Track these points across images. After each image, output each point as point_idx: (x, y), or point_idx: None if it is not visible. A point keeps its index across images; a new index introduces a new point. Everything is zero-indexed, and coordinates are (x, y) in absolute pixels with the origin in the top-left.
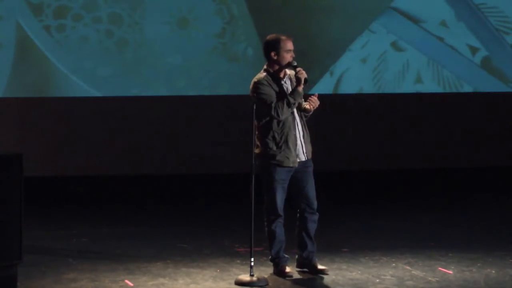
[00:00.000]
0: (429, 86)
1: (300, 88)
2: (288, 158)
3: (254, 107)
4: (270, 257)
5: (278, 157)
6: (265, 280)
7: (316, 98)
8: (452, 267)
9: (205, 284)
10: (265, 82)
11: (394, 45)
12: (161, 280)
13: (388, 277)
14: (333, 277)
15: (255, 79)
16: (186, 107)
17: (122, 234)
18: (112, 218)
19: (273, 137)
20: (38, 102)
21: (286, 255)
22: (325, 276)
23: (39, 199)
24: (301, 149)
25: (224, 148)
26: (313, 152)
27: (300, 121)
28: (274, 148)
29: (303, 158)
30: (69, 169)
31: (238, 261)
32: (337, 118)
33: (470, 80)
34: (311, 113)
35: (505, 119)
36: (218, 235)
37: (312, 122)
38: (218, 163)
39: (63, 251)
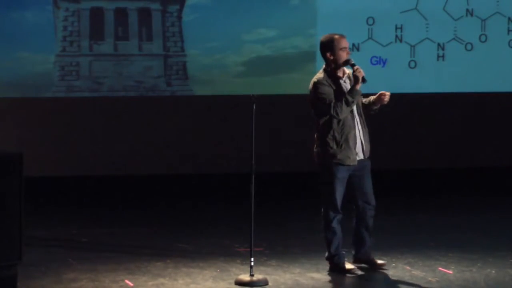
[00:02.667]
0: (429, 85)
1: (358, 87)
2: (349, 157)
3: (254, 107)
4: (327, 254)
5: (339, 156)
6: (265, 280)
7: (387, 94)
8: (452, 267)
9: (205, 284)
10: (324, 82)
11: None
12: (161, 280)
13: (388, 277)
14: (333, 277)
15: (314, 79)
16: (186, 107)
17: (122, 234)
18: (112, 218)
19: (334, 136)
20: (38, 102)
21: (343, 251)
22: (326, 277)
23: (39, 199)
24: (360, 147)
25: (224, 148)
26: (371, 151)
27: (360, 120)
28: (335, 147)
29: (362, 156)
30: (69, 169)
31: (238, 261)
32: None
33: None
34: (377, 107)
35: (505, 119)
36: (218, 235)
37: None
38: (218, 163)
39: (63, 251)
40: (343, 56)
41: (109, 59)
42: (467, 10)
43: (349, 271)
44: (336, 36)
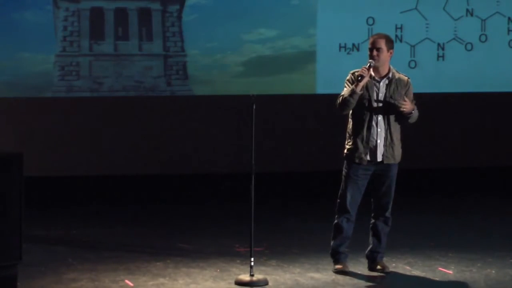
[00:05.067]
0: (429, 85)
1: (356, 88)
2: (354, 154)
3: (254, 107)
4: (330, 250)
5: (346, 151)
6: (265, 280)
7: (405, 103)
8: (452, 267)
9: (205, 284)
10: (351, 77)
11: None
12: (161, 280)
13: (388, 277)
14: (333, 277)
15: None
16: (186, 107)
17: (122, 234)
18: (112, 218)
19: (348, 132)
20: (38, 102)
21: (346, 251)
22: (326, 276)
23: (39, 199)
24: (376, 150)
25: (224, 148)
26: (399, 156)
27: (385, 123)
28: (346, 142)
29: (377, 159)
30: (69, 169)
31: (238, 261)
32: (339, 117)
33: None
34: (408, 117)
35: (505, 119)
36: (218, 235)
37: (318, 122)
38: (218, 163)
39: (63, 251)
40: (370, 55)
41: (109, 59)
42: (467, 10)
43: (337, 270)
44: (372, 35)
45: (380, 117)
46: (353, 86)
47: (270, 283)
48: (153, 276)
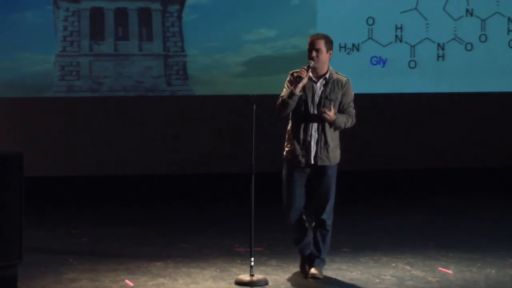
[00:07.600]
0: (429, 85)
1: (294, 89)
2: (290, 156)
3: (254, 107)
4: None
5: (284, 152)
6: (265, 280)
7: (327, 111)
8: (452, 267)
9: (205, 284)
10: (291, 77)
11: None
12: (161, 280)
13: (388, 277)
14: (333, 277)
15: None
16: (186, 107)
17: (122, 234)
18: (112, 218)
19: (287, 133)
20: (38, 102)
21: (304, 252)
22: (326, 277)
23: (39, 199)
24: (311, 152)
25: (224, 148)
26: (336, 158)
27: (319, 124)
28: (285, 143)
29: (311, 161)
30: (69, 169)
31: (238, 261)
32: None
33: None
34: (331, 124)
35: (505, 119)
36: (218, 235)
37: None
38: (218, 163)
39: (63, 251)
40: (308, 55)
41: (109, 59)
42: (467, 10)
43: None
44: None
45: (315, 118)
46: (292, 87)
47: (270, 283)
48: (153, 276)
